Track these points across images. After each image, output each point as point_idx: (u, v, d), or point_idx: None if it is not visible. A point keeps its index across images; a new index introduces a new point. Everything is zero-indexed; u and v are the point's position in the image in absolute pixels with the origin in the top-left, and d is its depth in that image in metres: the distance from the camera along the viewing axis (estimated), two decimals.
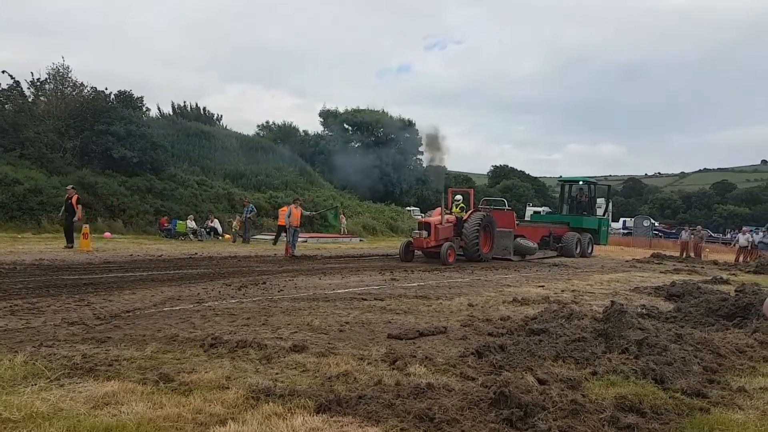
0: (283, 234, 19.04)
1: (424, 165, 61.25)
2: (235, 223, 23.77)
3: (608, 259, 22.36)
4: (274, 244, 21.69)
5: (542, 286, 11.81)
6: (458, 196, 18.83)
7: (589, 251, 23.58)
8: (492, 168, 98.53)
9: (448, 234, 17.25)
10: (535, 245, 20.37)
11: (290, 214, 17.49)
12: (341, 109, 55.33)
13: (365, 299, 8.88)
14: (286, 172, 38.32)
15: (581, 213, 24.51)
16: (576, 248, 22.56)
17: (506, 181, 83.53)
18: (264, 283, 10.44)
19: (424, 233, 16.61)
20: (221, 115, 50.79)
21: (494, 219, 18.67)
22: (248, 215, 22.34)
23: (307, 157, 47.50)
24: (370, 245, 25.04)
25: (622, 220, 59.90)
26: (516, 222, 20.38)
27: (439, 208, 17.78)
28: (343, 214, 30.50)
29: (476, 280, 12.65)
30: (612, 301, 6.80)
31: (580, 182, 25.58)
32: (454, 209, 18.43)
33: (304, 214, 18.96)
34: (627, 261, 21.39)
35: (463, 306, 8.68)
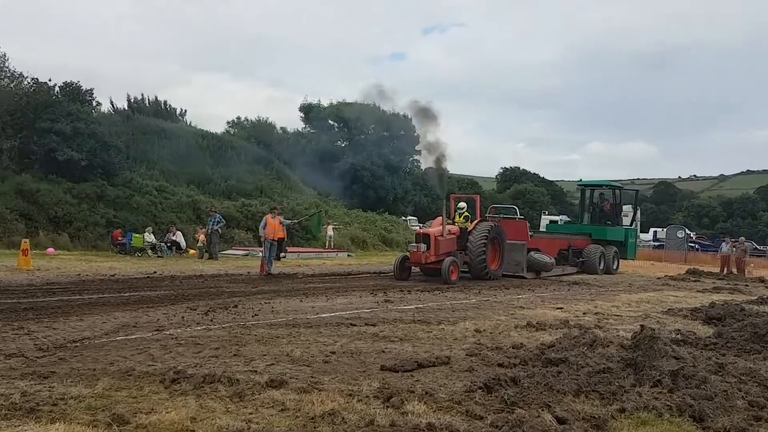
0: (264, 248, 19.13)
1: (423, 167, 61.58)
2: (200, 236, 23.71)
3: (637, 276, 22.46)
4: (277, 258, 22.33)
5: (561, 309, 11.84)
6: (462, 204, 18.89)
7: (615, 267, 23.72)
8: (501, 170, 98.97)
9: (450, 248, 17.30)
10: (552, 260, 20.50)
11: (266, 225, 17.49)
12: (325, 103, 55.53)
13: (354, 325, 8.87)
14: (260, 176, 38.35)
15: (605, 222, 24.71)
16: (599, 263, 22.72)
17: (518, 185, 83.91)
18: (235, 306, 10.41)
19: (423, 247, 16.66)
20: (185, 110, 50.74)
21: (504, 230, 18.77)
22: (215, 227, 22.29)
23: (286, 159, 47.53)
24: (359, 261, 25.03)
25: (652, 230, 60.27)
26: (529, 233, 20.53)
27: (440, 218, 17.84)
28: (330, 225, 30.49)
29: (484, 302, 12.65)
30: (642, 326, 6.83)
31: (604, 187, 25.79)
32: (457, 219, 18.50)
33: (284, 224, 18.96)
34: (658, 278, 21.52)
35: (468, 332, 8.69)
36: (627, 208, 28.73)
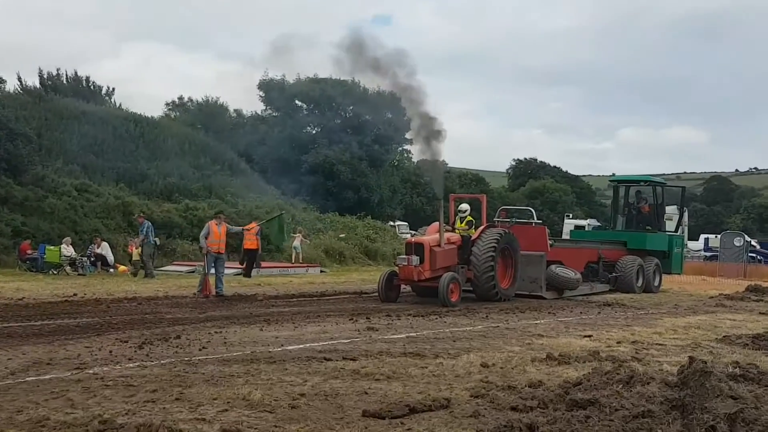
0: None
1: (415, 159, 61.73)
2: (132, 248, 23.59)
3: (684, 295, 22.62)
4: (247, 276, 23.09)
5: (589, 336, 11.88)
6: (464, 206, 18.94)
7: (656, 284, 23.91)
8: (514, 163, 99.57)
9: (449, 260, 17.34)
10: (578, 275, 20.62)
11: (208, 233, 17.41)
12: (290, 79, 55.45)
13: (329, 359, 8.85)
14: (209, 172, 38.24)
15: (644, 228, 24.89)
16: (637, 279, 22.90)
17: (534, 182, 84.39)
18: (178, 337, 10.36)
19: (415, 260, 16.67)
20: (113, 89, 50.64)
21: (517, 238, 18.86)
22: (148, 238, 22.16)
23: (242, 150, 47.47)
24: (335, 278, 25.00)
25: (703, 237, 60.85)
26: (549, 242, 20.59)
27: (437, 223, 17.86)
28: (299, 234, 30.44)
29: (492, 329, 12.65)
30: (691, 358, 6.87)
31: (642, 183, 25.98)
32: (458, 224, 18.54)
33: (231, 232, 18.91)
34: (711, 297, 21.68)
35: (473, 367, 8.70)
36: (671, 210, 28.95)
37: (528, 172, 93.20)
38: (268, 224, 22.72)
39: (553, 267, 20.08)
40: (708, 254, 52.42)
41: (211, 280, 17.33)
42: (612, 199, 27.63)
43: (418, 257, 16.70)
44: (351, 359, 8.91)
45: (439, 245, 17.06)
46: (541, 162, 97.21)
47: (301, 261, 29.01)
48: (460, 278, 17.22)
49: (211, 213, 28.46)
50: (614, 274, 22.85)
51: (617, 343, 11.25)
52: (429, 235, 17.89)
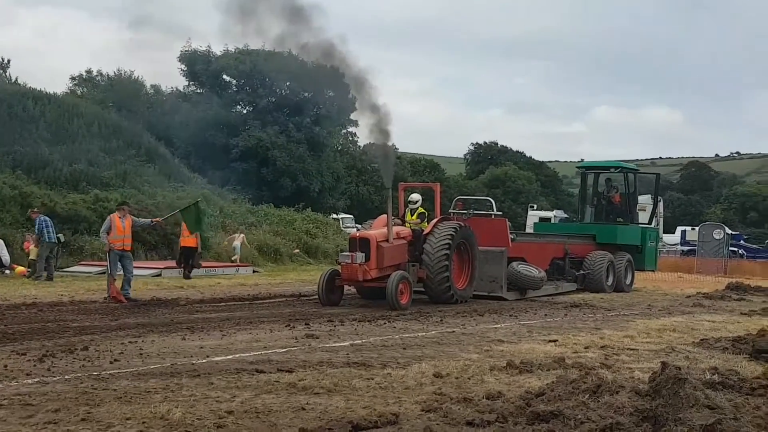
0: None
1: (361, 143, 61.65)
2: (30, 246, 23.13)
3: (658, 294, 23.10)
4: (187, 277, 23.08)
5: (554, 341, 12.05)
6: (415, 196, 19.01)
7: (628, 282, 24.41)
8: (472, 148, 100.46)
9: (399, 258, 17.40)
10: (542, 274, 20.85)
11: (110, 228, 17.09)
12: (217, 51, 54.85)
13: (262, 371, 8.83)
14: (122, 158, 37.66)
15: (615, 220, 25.33)
16: (607, 277, 23.30)
17: (495, 169, 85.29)
18: (85, 348, 10.21)
19: (360, 257, 16.67)
20: (7, 61, 49.57)
21: (474, 232, 18.99)
22: (45, 235, 21.76)
23: (161, 132, 46.84)
24: (270, 279, 24.90)
25: (680, 229, 62.19)
26: (511, 236, 20.82)
27: (385, 216, 17.91)
28: (240, 233, 30.21)
29: (447, 334, 12.74)
30: (664, 363, 7.01)
31: (613, 169, 26.33)
32: (408, 217, 18.62)
33: (137, 225, 18.71)
34: (688, 297, 22.19)
35: (425, 378, 8.76)
36: (645, 199, 29.44)
37: (488, 158, 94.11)
38: (183, 213, 22.37)
39: (514, 264, 20.24)
40: (685, 248, 53.53)
41: (126, 281, 17.09)
42: (579, 188, 28.02)
43: (364, 254, 16.69)
44: (287, 371, 8.89)
45: (387, 240, 17.09)
46: (502, 146, 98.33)
47: (237, 261, 28.87)
48: (411, 278, 17.26)
49: (129, 205, 28.10)
50: (582, 272, 23.19)
51: (585, 348, 11.45)
52: (376, 229, 17.90)
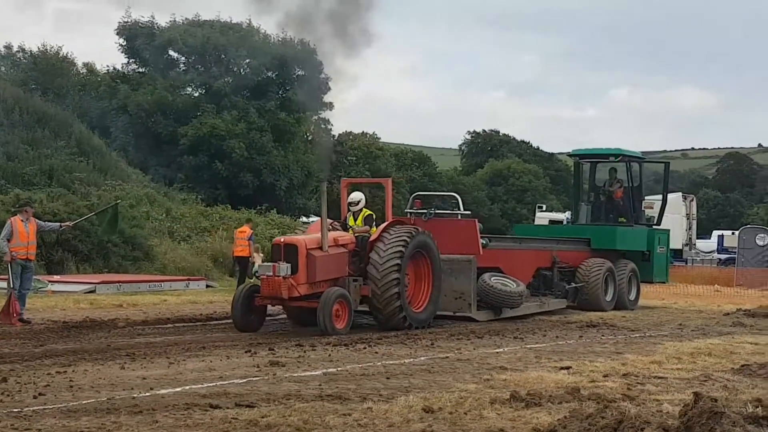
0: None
1: (335, 132, 61.64)
2: None
3: (692, 311, 23.16)
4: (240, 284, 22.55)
5: (568, 369, 12.02)
6: (356, 195, 18.16)
7: (632, 296, 23.96)
8: (469, 137, 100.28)
9: (336, 270, 16.64)
10: (521, 287, 20.04)
11: (11, 234, 16.98)
12: (162, 22, 54.71)
13: (217, 406, 8.79)
14: (48, 150, 37.51)
15: (616, 219, 24.89)
16: (606, 291, 22.71)
17: (496, 161, 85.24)
18: (4, 380, 10.15)
19: (284, 268, 15.80)
20: None
21: (434, 239, 18.14)
22: None
23: (95, 119, 46.68)
24: (227, 295, 24.53)
25: (716, 234, 62.29)
26: (482, 241, 19.84)
27: (320, 219, 17.33)
28: (257, 249, 29.80)
29: (440, 360, 12.71)
30: (697, 394, 7.01)
31: (612, 158, 25.50)
32: (352, 222, 17.99)
33: (44, 230, 18.55)
34: (727, 314, 22.19)
35: (413, 413, 8.71)
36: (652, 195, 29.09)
37: (488, 150, 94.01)
38: (99, 217, 22.22)
39: (486, 276, 19.43)
40: (723, 257, 53.61)
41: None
42: (573, 182, 27.70)
43: (289, 265, 15.88)
44: (247, 406, 8.86)
45: (320, 248, 16.41)
46: (504, 135, 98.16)
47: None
48: (353, 294, 16.62)
49: (53, 206, 27.95)
50: (573, 285, 22.55)
51: (604, 376, 11.41)
52: (307, 234, 17.46)
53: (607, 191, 25.28)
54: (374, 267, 16.76)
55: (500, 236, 27.07)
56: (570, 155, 27.63)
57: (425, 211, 21.18)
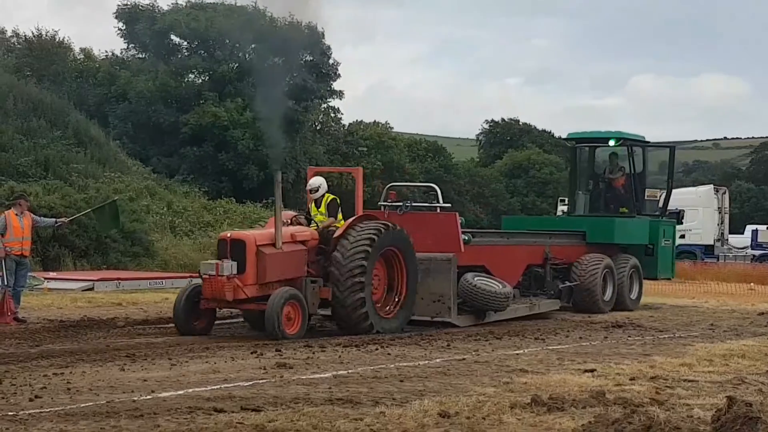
0: None
1: (345, 121, 61.49)
2: None
3: (723, 311, 23.06)
4: None
5: (592, 371, 11.97)
6: (315, 180, 17.32)
7: (634, 295, 23.43)
8: (488, 127, 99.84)
9: (292, 270, 15.98)
10: (507, 288, 19.14)
11: (5, 229, 16.99)
12: (164, 5, 54.74)
13: (221, 410, 8.80)
14: (45, 140, 37.60)
15: (616, 210, 24.14)
16: (604, 290, 22.06)
17: (515, 152, 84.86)
18: None
19: (228, 267, 15.11)
20: None
21: (409, 235, 17.37)
22: None
23: (93, 107, 46.75)
24: None
25: (750, 229, 61.96)
26: (464, 237, 19.08)
27: (290, 212, 17.31)
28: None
29: (456, 362, 12.70)
30: (730, 398, 7.00)
31: (611, 142, 24.61)
32: (314, 211, 17.27)
33: (39, 226, 18.59)
34: (761, 314, 22.10)
35: (429, 418, 8.70)
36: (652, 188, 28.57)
37: (507, 140, 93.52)
38: (96, 213, 22.05)
39: (468, 276, 18.52)
40: (757, 253, 53.34)
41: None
42: (570, 169, 26.95)
43: (235, 263, 15.10)
44: (253, 410, 8.85)
45: (272, 245, 15.57)
46: (524, 124, 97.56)
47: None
48: (310, 298, 15.77)
49: (49, 199, 28.04)
50: (567, 284, 21.80)
51: (630, 380, 11.35)
52: (261, 229, 17.01)
53: (608, 179, 24.59)
54: (336, 268, 15.87)
55: (485, 231, 26.59)
56: (565, 139, 26.58)
57: (400, 204, 20.02)
